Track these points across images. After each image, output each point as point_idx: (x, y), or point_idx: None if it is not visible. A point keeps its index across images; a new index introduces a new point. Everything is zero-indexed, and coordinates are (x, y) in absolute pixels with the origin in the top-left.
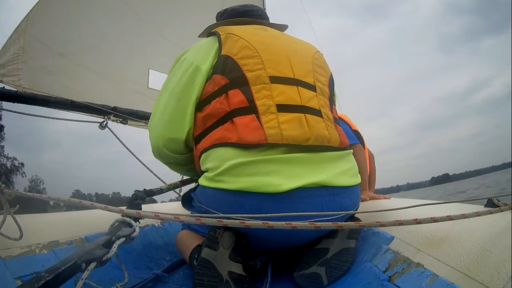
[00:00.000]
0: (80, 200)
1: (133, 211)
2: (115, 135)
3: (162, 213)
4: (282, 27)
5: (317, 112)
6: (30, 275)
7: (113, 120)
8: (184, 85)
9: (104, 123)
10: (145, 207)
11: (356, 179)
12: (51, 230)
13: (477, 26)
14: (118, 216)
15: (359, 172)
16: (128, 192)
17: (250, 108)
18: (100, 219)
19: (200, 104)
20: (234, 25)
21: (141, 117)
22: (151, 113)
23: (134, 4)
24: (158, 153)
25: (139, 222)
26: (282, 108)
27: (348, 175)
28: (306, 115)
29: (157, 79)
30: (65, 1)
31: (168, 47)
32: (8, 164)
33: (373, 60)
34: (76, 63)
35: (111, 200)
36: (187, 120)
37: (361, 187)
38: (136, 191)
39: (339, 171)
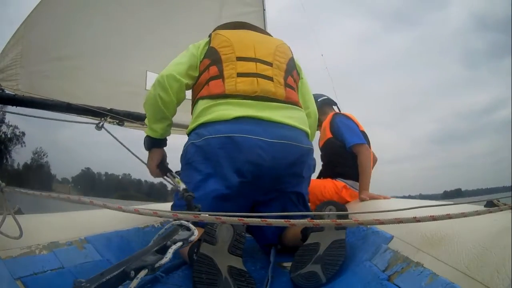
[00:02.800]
0: (91, 200)
1: (131, 209)
2: (112, 135)
3: (161, 210)
4: (265, 33)
5: (269, 78)
6: (30, 276)
7: (109, 122)
8: (187, 54)
9: (100, 124)
10: (143, 207)
11: (299, 124)
12: (51, 231)
13: (503, 44)
14: (119, 217)
15: (361, 171)
16: (138, 175)
17: (219, 76)
18: (101, 220)
19: (196, 79)
20: (226, 29)
21: (137, 118)
22: (144, 113)
23: (132, 7)
24: (160, 84)
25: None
26: (241, 75)
27: (291, 119)
28: (258, 78)
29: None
30: (62, 6)
31: (166, 49)
32: (9, 132)
33: (396, 67)
34: (74, 66)
35: (121, 181)
36: (184, 68)
37: (362, 186)
38: (184, 192)
39: (284, 115)
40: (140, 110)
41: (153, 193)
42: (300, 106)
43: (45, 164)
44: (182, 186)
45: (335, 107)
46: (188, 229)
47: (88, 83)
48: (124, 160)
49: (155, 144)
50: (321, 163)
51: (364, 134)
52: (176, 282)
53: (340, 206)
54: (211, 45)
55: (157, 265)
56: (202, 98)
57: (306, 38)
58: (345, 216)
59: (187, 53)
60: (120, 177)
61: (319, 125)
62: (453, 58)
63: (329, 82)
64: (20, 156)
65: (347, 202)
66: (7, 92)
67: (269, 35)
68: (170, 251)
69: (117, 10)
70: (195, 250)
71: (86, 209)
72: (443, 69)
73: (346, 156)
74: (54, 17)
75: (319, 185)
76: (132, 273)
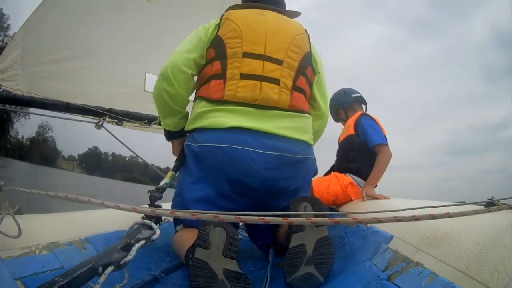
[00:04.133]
0: (88, 199)
1: (128, 207)
2: (111, 134)
3: (159, 209)
4: (289, 13)
5: (275, 81)
6: (30, 276)
7: (108, 122)
8: (195, 39)
9: (100, 123)
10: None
11: (297, 134)
12: (51, 231)
13: None
14: (119, 217)
15: (376, 167)
16: (146, 157)
17: (222, 75)
18: (101, 220)
19: (201, 68)
20: (240, 9)
21: (136, 118)
22: (146, 114)
23: (131, 9)
24: (164, 77)
25: (159, 224)
26: (244, 76)
27: (289, 130)
28: (262, 82)
29: (154, 82)
30: (61, 9)
31: (165, 51)
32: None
33: (415, 76)
34: (73, 68)
35: (127, 163)
36: (191, 56)
37: (369, 181)
38: (150, 192)
39: (281, 126)
40: (139, 110)
41: (158, 178)
42: (306, 111)
43: (49, 139)
44: (162, 182)
45: (363, 106)
46: (151, 228)
47: (87, 84)
48: (134, 141)
49: (172, 136)
50: (335, 158)
51: (385, 138)
52: (176, 282)
53: (315, 201)
54: (218, 33)
55: (122, 262)
56: (201, 98)
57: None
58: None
59: (195, 37)
60: (127, 158)
61: (345, 120)
62: (473, 71)
63: (328, 83)
64: (24, 129)
65: (351, 200)
66: (7, 92)
67: (293, 13)
68: (134, 249)
69: (116, 12)
70: (190, 256)
71: (86, 209)
72: (462, 81)
73: (363, 154)
74: (53, 20)
75: (324, 182)
76: (100, 269)
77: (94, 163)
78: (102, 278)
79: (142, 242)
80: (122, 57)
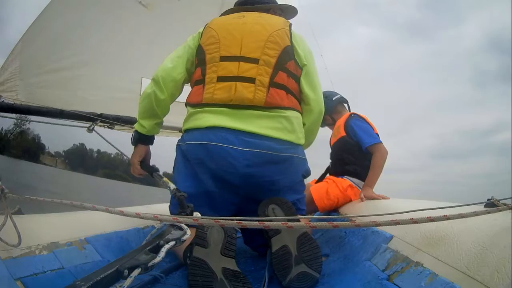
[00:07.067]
0: (93, 205)
1: (132, 213)
2: (103, 137)
3: (161, 215)
4: (277, 11)
5: (250, 80)
6: (30, 276)
7: (100, 126)
8: (185, 47)
9: (91, 127)
10: (144, 208)
11: (274, 133)
12: (51, 231)
13: None
14: (119, 217)
15: (372, 167)
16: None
17: (202, 81)
18: (101, 220)
19: (191, 76)
20: (223, 16)
21: (126, 122)
22: (135, 117)
23: (127, 15)
24: (155, 82)
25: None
26: (221, 79)
27: (264, 128)
28: (237, 83)
29: None
30: (56, 21)
31: (162, 55)
32: None
33: (403, 78)
34: (70, 76)
35: (111, 160)
36: (182, 63)
37: (367, 182)
38: (177, 193)
39: (256, 125)
40: (131, 114)
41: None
42: (287, 107)
43: (28, 131)
44: (172, 185)
45: (346, 105)
46: (181, 228)
47: (85, 91)
48: (116, 139)
49: (141, 139)
50: (330, 161)
51: (377, 135)
52: (176, 283)
53: (282, 201)
54: (200, 41)
55: (150, 264)
56: (187, 104)
57: (307, 38)
58: (295, 214)
59: (185, 45)
60: (112, 155)
61: (332, 124)
62: (462, 76)
63: (329, 83)
64: (4, 121)
65: (351, 201)
66: (6, 101)
67: (278, 8)
68: (163, 250)
69: (111, 19)
70: (189, 254)
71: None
72: (451, 85)
73: (358, 155)
74: (49, 32)
75: (322, 189)
76: (126, 272)
77: (78, 159)
78: (127, 282)
79: (172, 243)
80: (118, 63)
